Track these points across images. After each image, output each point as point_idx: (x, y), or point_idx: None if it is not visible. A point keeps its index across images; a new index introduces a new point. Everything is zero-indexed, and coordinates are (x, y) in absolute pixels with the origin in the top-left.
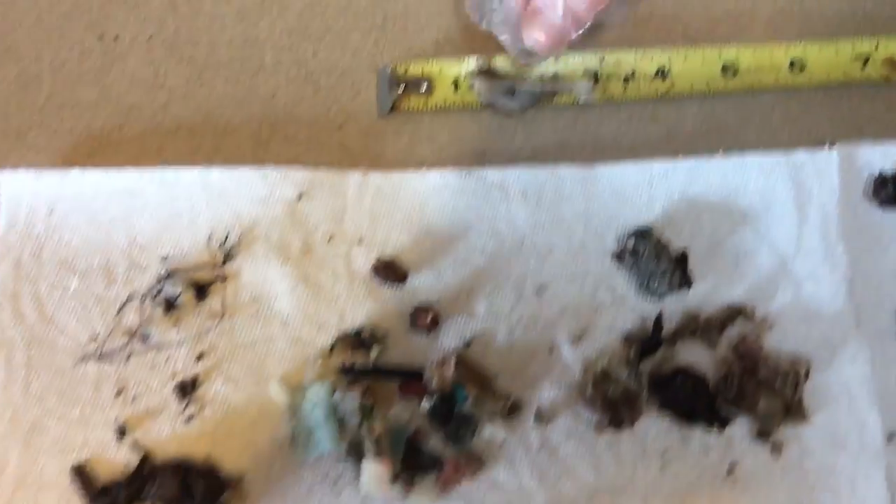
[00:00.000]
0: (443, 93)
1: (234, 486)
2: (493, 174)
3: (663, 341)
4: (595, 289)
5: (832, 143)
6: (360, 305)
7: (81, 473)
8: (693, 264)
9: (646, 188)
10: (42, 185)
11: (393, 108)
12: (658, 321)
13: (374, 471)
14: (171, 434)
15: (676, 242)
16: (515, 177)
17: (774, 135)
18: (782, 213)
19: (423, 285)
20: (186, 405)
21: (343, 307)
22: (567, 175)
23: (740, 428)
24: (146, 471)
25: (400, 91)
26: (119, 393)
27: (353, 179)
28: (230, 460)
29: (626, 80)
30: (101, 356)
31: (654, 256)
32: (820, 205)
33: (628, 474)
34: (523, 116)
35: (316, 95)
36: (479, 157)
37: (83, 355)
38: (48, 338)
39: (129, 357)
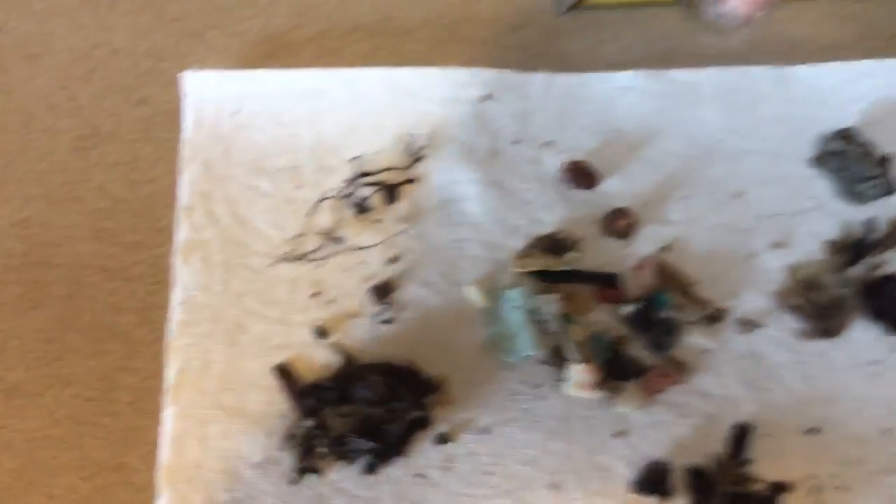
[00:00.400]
0: None
1: (439, 388)
2: (682, 75)
3: (872, 247)
4: (794, 194)
5: None
6: (551, 209)
7: (285, 372)
8: None
9: (845, 89)
10: (227, 85)
11: (574, 6)
12: (869, 226)
13: (579, 375)
14: (369, 336)
15: (880, 145)
16: (706, 77)
17: None
18: None
19: (614, 190)
20: (383, 308)
21: (535, 211)
22: (761, 76)
23: None
24: (352, 372)
25: None
26: (315, 294)
27: (539, 81)
28: (430, 364)
29: None
30: (296, 257)
31: (858, 159)
32: None
33: (839, 384)
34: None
35: None
36: (666, 58)
37: (278, 256)
38: (243, 238)
39: (323, 259)
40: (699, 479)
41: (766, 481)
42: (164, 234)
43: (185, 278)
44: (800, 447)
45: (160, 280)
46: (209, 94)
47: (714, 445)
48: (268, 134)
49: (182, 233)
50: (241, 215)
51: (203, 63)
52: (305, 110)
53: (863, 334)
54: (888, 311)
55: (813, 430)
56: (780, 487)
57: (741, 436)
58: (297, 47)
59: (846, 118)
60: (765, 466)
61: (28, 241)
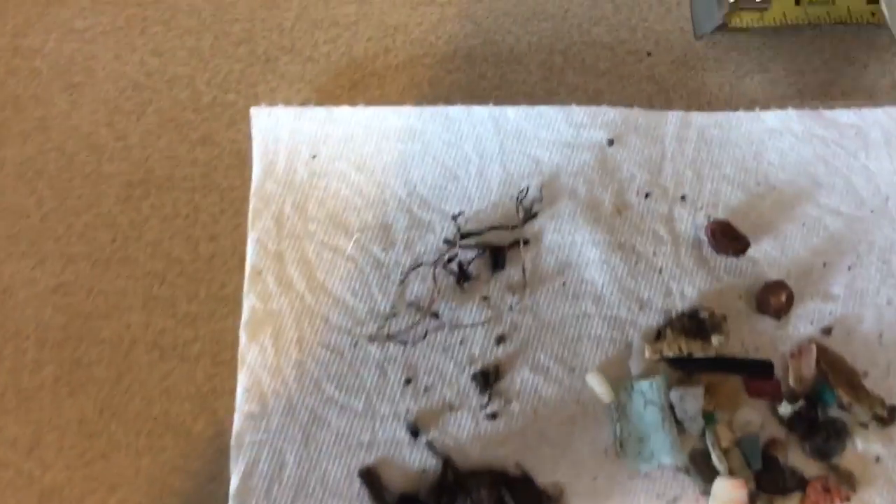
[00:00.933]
0: (782, 5)
1: (555, 500)
2: (846, 115)
3: None
4: None
5: None
6: (690, 279)
7: (372, 477)
8: None
9: None
10: (303, 123)
11: (721, 27)
12: None
13: (728, 492)
14: (472, 434)
15: None
16: (878, 119)
17: None
18: None
19: (765, 256)
20: (489, 398)
21: (669, 281)
22: None
23: None
24: (452, 480)
25: (728, 3)
26: (409, 381)
27: (673, 121)
28: (545, 470)
29: None
30: (386, 336)
31: None
32: None
33: None
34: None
35: (617, 14)
36: (825, 92)
37: (364, 334)
38: (321, 311)
39: (417, 338)
40: None
41: None
42: (228, 303)
43: (252, 359)
44: None
45: (223, 360)
46: (282, 135)
47: None
48: (350, 183)
49: (249, 302)
50: (319, 282)
51: (274, 95)
52: (396, 155)
53: None
54: None
55: None
56: None
57: None
58: (385, 77)
59: None
60: None
61: (68, 312)
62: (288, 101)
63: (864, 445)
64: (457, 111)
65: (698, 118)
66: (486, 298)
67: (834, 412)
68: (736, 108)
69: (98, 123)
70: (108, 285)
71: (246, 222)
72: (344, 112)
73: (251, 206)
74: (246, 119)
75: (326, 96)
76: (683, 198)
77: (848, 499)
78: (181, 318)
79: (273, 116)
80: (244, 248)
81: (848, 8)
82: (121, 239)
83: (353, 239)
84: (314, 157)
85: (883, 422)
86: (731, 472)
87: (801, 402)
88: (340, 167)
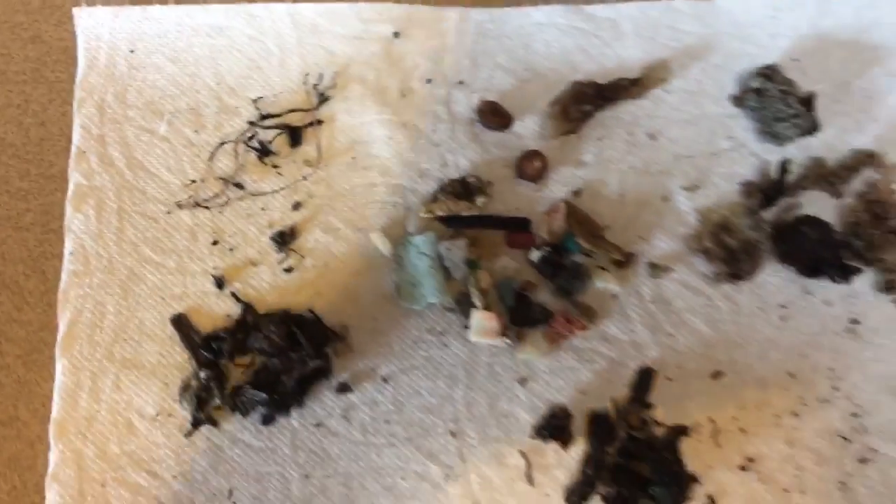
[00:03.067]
0: None
1: (340, 337)
2: (603, 10)
3: (787, 189)
4: (713, 134)
5: None
6: (462, 151)
7: (182, 323)
8: (820, 107)
9: (770, 23)
10: (121, 22)
11: None
12: (783, 166)
13: (483, 322)
14: (270, 285)
15: (802, 83)
16: (627, 13)
17: None
18: None
19: (528, 131)
20: (285, 255)
21: (445, 153)
22: (684, 9)
23: (866, 281)
24: (250, 321)
25: None
26: (215, 242)
27: (453, 16)
28: (333, 312)
29: None
30: (195, 204)
31: (780, 98)
32: None
33: (746, 328)
34: None
35: None
36: None
37: (176, 203)
38: (139, 184)
39: (224, 205)
40: (600, 425)
41: (666, 425)
42: (56, 180)
43: (77, 226)
44: (702, 391)
45: (52, 229)
46: (103, 32)
47: (617, 390)
48: (165, 74)
49: (74, 179)
50: (137, 160)
51: None
52: (205, 48)
53: (772, 278)
54: (798, 255)
55: (717, 374)
56: (679, 431)
57: (644, 380)
58: None
59: (771, 54)
60: (666, 410)
61: None
62: (109, 4)
63: (603, 284)
64: (258, 8)
65: (475, 14)
66: (284, 168)
67: (579, 258)
68: (509, 5)
69: None
70: None
71: (72, 111)
72: (157, 10)
73: (76, 96)
74: (71, 20)
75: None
76: (461, 83)
77: (584, 328)
78: (14, 193)
79: (94, 16)
80: (70, 133)
81: None
82: None
83: (166, 121)
84: (132, 51)
85: (620, 265)
86: (488, 309)
87: (548, 249)
88: (156, 60)
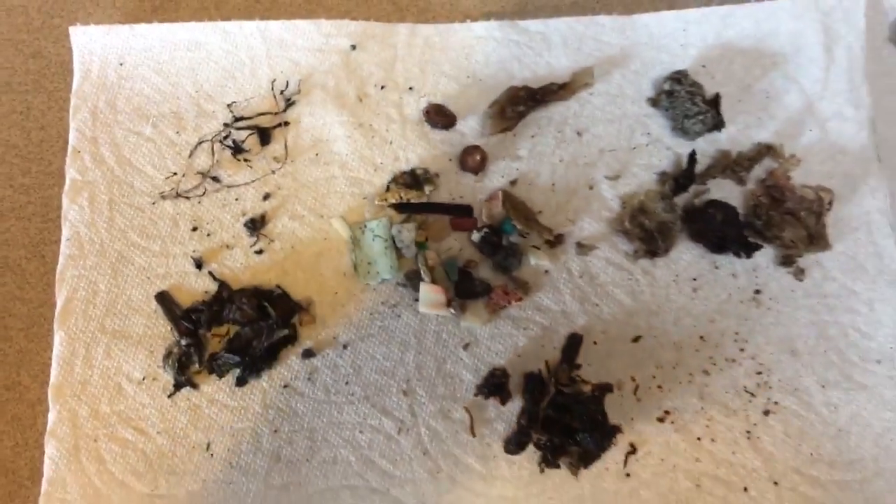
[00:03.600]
0: None
1: (305, 309)
2: (535, 25)
3: (696, 177)
4: (632, 131)
5: None
6: (412, 148)
7: (165, 298)
8: (725, 106)
9: (681, 35)
10: (112, 39)
11: None
12: (692, 157)
13: (431, 295)
14: (243, 265)
15: (710, 86)
16: (556, 27)
17: None
18: (811, 56)
19: (470, 130)
20: (256, 239)
21: (397, 149)
22: (606, 24)
23: (766, 255)
24: (225, 296)
25: None
26: (195, 228)
27: (403, 31)
28: (298, 288)
29: None
30: (177, 195)
31: (689, 98)
32: (846, 47)
33: (662, 298)
34: None
35: None
36: (521, 9)
37: (160, 195)
38: (127, 179)
39: (202, 196)
40: (534, 383)
41: (592, 383)
42: (54, 176)
43: (72, 216)
44: (624, 353)
45: (51, 219)
46: (96, 48)
47: (549, 354)
48: (150, 83)
49: (70, 175)
50: (125, 158)
51: (90, 18)
52: (185, 61)
53: (684, 254)
54: (707, 234)
55: (637, 339)
56: (604, 388)
57: (572, 344)
58: (178, 2)
59: (682, 62)
60: (593, 370)
61: None
62: (101, 24)
63: (536, 261)
64: (231, 25)
65: (423, 29)
66: (255, 164)
67: (515, 239)
68: (453, 21)
69: None
70: None
71: (68, 116)
72: (143, 28)
73: (72, 104)
74: (68, 37)
75: (133, 18)
76: (411, 88)
77: (520, 299)
78: (17, 187)
79: (88, 33)
80: (67, 135)
81: None
82: None
83: (151, 124)
84: (121, 64)
85: (551, 244)
86: (436, 283)
87: (488, 231)
88: (142, 72)
